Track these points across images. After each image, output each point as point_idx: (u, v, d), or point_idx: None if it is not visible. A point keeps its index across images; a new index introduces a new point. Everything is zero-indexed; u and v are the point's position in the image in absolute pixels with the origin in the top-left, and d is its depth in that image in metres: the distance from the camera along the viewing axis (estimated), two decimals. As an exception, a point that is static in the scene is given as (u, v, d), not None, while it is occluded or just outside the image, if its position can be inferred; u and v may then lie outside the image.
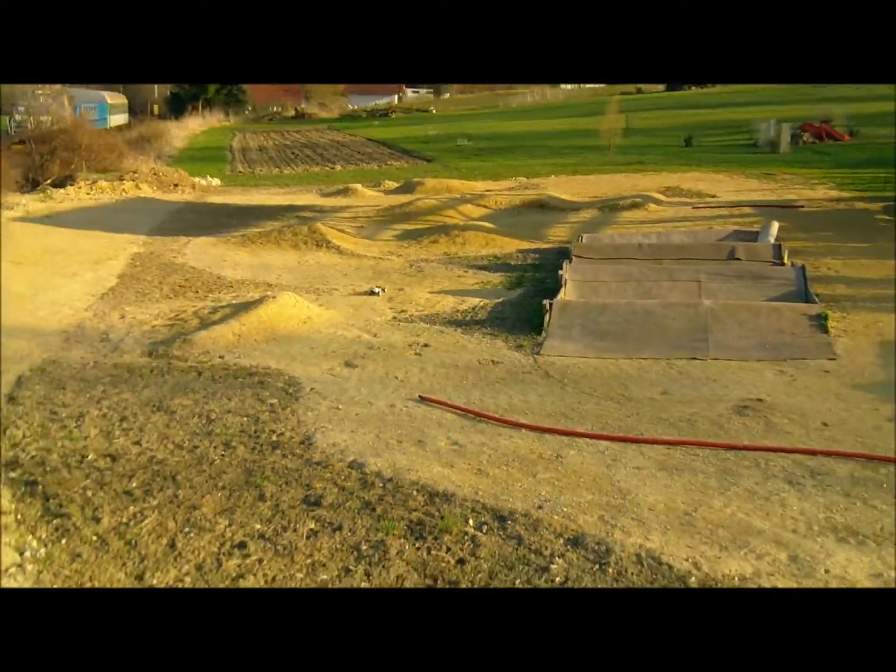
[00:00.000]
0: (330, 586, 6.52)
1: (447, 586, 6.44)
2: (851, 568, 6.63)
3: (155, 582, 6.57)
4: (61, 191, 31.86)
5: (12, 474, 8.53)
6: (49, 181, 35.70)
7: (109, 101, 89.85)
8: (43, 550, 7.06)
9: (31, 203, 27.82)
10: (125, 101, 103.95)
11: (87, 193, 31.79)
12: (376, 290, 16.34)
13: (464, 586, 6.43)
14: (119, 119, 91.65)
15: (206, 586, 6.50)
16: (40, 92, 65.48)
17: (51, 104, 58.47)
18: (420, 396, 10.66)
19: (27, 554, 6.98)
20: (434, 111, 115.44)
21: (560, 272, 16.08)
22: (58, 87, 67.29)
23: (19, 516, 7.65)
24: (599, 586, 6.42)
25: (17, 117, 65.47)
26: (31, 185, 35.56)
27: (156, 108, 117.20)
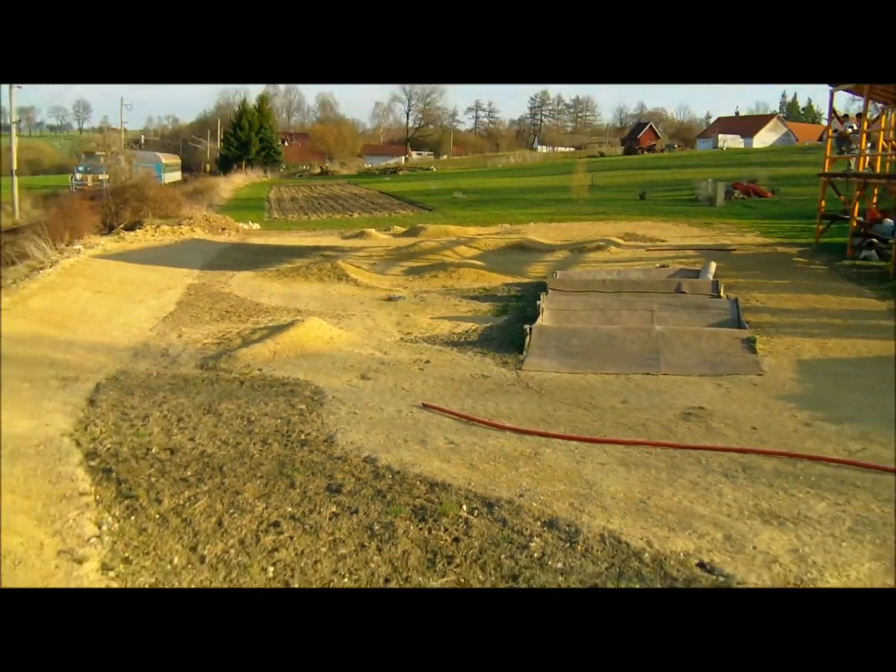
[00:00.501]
0: (331, 586, 6.50)
1: (445, 561, 6.43)
2: (774, 545, 6.67)
3: (206, 553, 6.57)
4: (132, 233, 31.87)
5: (92, 463, 8.54)
6: (122, 225, 35.71)
7: (164, 161, 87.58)
8: (116, 525, 7.09)
9: (108, 243, 27.84)
10: (178, 160, 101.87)
11: (153, 235, 31.80)
12: (396, 296, 16.40)
13: (458, 561, 6.42)
14: (173, 176, 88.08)
15: (248, 559, 6.49)
16: (101, 153, 67.97)
17: (111, 164, 58.90)
18: (423, 404, 10.64)
19: (104, 528, 7.03)
20: (434, 169, 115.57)
21: (538, 302, 16.11)
22: (117, 150, 70.63)
23: (97, 497, 7.68)
24: (570, 564, 6.41)
25: (78, 176, 67.24)
26: (108, 228, 35.62)
27: (208, 166, 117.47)
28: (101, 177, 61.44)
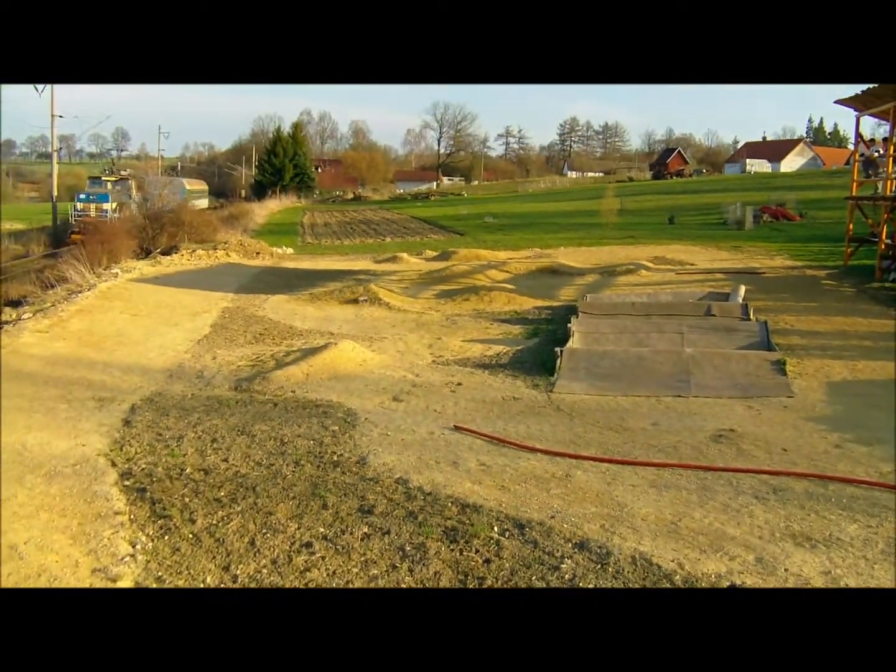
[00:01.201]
0: (335, 587, 6.45)
1: (476, 582, 6.37)
2: (806, 567, 6.58)
3: (238, 572, 6.53)
4: (168, 257, 32.07)
5: (127, 482, 8.53)
6: (159, 250, 36.03)
7: (188, 187, 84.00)
8: (150, 544, 7.07)
9: (144, 267, 28.00)
10: (205, 187, 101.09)
11: (188, 259, 31.97)
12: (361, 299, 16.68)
13: (489, 582, 6.36)
14: (199, 203, 77.34)
15: (280, 579, 6.45)
16: (108, 179, 61.12)
17: (117, 191, 57.36)
18: (454, 425, 10.59)
19: (138, 546, 7.00)
20: (465, 195, 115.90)
21: (569, 325, 16.03)
22: (128, 174, 66.57)
23: (132, 516, 7.66)
24: (601, 585, 6.34)
25: (79, 205, 55.30)
26: (144, 253, 35.94)
27: (242, 192, 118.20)
28: (105, 206, 55.01)
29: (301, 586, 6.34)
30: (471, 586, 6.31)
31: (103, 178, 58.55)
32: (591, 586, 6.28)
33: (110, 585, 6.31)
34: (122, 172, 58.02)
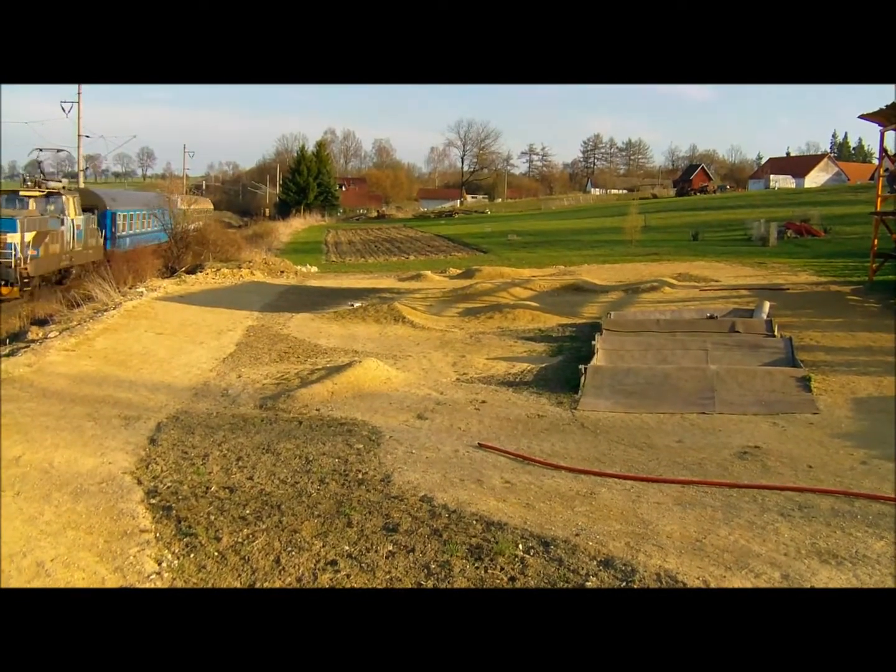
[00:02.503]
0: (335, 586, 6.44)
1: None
2: (832, 584, 6.55)
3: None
4: (193, 276, 32.24)
5: (152, 500, 8.58)
6: (184, 269, 36.21)
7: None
8: (176, 562, 7.10)
9: (169, 286, 28.15)
10: (209, 206, 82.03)
11: (213, 278, 32.13)
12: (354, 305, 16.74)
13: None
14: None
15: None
16: (29, 194, 36.18)
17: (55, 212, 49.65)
18: (479, 443, 10.59)
19: (164, 564, 7.04)
20: (489, 212, 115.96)
21: (593, 342, 16.04)
22: (71, 189, 44.67)
23: (157, 534, 7.70)
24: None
25: None
26: (169, 271, 36.09)
27: (267, 211, 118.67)
28: (9, 237, 30.70)
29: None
30: (496, 604, 6.30)
31: (21, 194, 35.15)
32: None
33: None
34: (54, 184, 35.65)
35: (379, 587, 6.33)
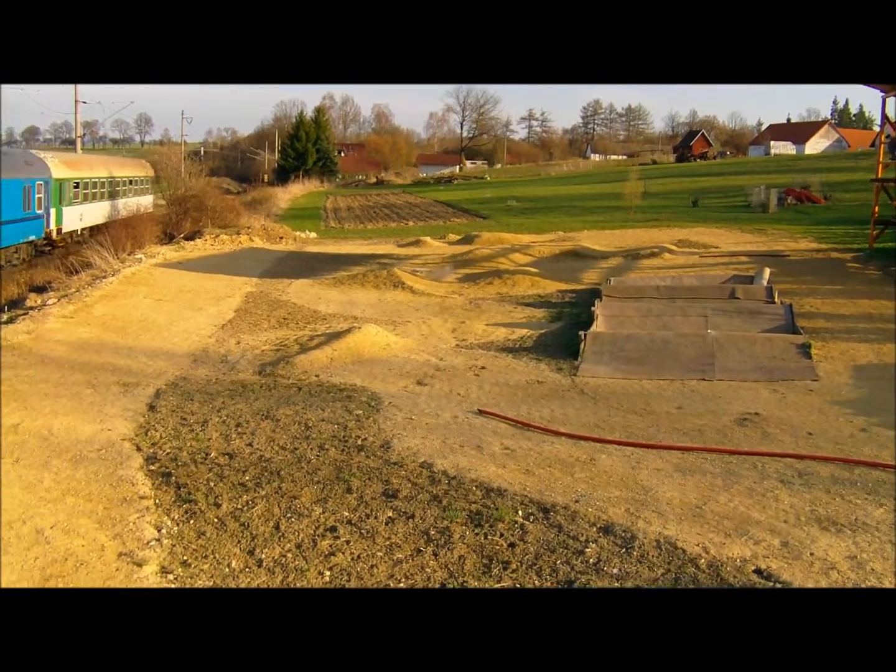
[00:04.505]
0: (336, 587, 6.45)
1: (501, 566, 6.37)
2: (832, 551, 6.57)
3: (263, 556, 6.55)
4: (191, 243, 32.17)
5: (152, 467, 8.58)
6: (182, 235, 36.11)
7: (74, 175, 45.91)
8: (175, 529, 7.12)
9: (168, 252, 28.11)
10: (147, 172, 53.62)
11: (212, 244, 32.08)
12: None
13: (514, 566, 6.35)
14: (138, 201, 46.08)
15: (304, 563, 6.46)
16: None
17: None
18: (478, 409, 10.59)
19: (163, 531, 7.05)
20: (488, 178, 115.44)
21: (593, 308, 16.02)
22: None
23: (157, 501, 7.71)
24: (626, 569, 6.32)
25: None
26: (168, 238, 35.99)
27: (265, 177, 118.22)
28: None
29: (327, 571, 6.34)
30: (495, 570, 6.30)
31: None
32: (615, 571, 6.27)
33: (137, 570, 6.34)
34: None
35: (377, 587, 6.29)
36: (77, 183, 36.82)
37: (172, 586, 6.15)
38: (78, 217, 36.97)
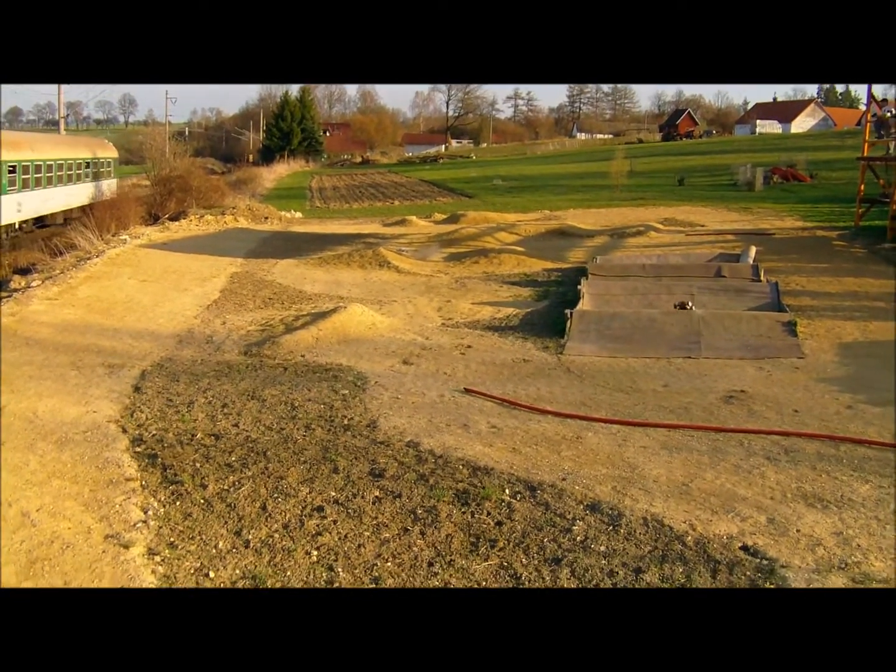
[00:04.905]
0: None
1: (488, 545, 6.38)
2: (818, 527, 6.61)
3: (250, 537, 6.54)
4: (176, 223, 32.05)
5: (138, 449, 8.55)
6: (167, 216, 35.94)
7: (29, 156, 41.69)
8: (162, 510, 7.10)
9: (153, 233, 28.00)
10: (109, 153, 46.11)
11: (196, 225, 31.96)
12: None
13: (501, 545, 6.37)
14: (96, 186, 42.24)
15: (291, 543, 6.46)
16: None
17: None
18: (465, 388, 10.59)
19: (150, 513, 7.03)
20: (474, 157, 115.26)
21: (579, 287, 16.03)
22: None
23: (143, 482, 7.68)
24: (613, 547, 6.34)
25: None
26: (153, 219, 35.81)
27: (251, 157, 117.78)
28: None
29: (314, 551, 6.35)
30: (482, 549, 6.31)
31: None
32: (602, 549, 6.29)
33: (123, 552, 6.32)
34: None
35: (369, 587, 6.29)
36: (13, 166, 30.49)
37: (160, 570, 6.15)
38: (15, 207, 30.79)
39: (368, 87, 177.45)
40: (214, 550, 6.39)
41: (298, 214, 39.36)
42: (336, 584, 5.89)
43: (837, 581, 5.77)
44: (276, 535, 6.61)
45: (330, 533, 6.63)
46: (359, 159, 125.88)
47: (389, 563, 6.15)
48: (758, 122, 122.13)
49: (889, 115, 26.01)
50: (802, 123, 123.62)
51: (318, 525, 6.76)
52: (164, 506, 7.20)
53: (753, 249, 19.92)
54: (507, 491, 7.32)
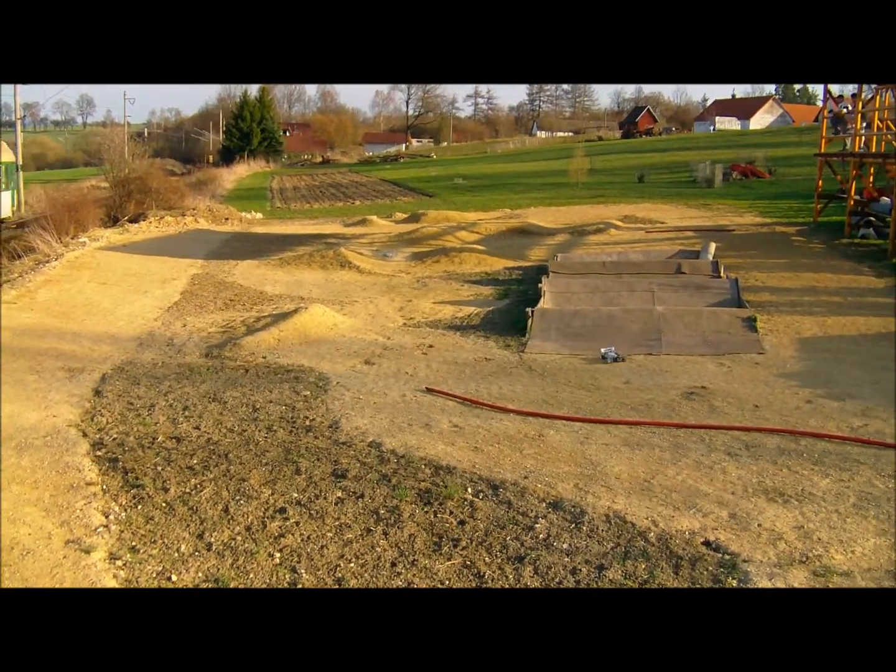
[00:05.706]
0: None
1: (451, 544, 6.38)
2: (779, 522, 6.66)
3: (212, 540, 6.52)
4: (136, 225, 31.81)
5: (98, 453, 8.48)
6: (126, 218, 35.66)
7: None
8: (123, 514, 7.05)
9: (112, 235, 27.74)
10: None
11: (156, 227, 31.73)
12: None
13: (464, 543, 6.37)
14: None
15: (254, 546, 6.44)
16: None
17: None
18: (426, 388, 10.59)
19: (111, 517, 6.98)
20: (434, 156, 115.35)
21: (539, 285, 16.05)
22: None
23: (104, 486, 7.62)
24: (575, 545, 6.36)
25: None
26: (112, 221, 35.51)
27: (210, 158, 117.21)
28: None
29: (277, 553, 6.33)
30: (445, 548, 6.32)
31: None
32: (565, 546, 6.31)
33: (85, 557, 6.28)
34: None
35: (333, 587, 6.29)
36: None
37: (122, 574, 6.11)
38: None
39: (328, 86, 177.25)
40: (177, 554, 6.36)
41: (259, 215, 39.19)
42: (299, 586, 5.88)
43: (799, 575, 5.83)
44: (239, 538, 6.58)
45: (293, 534, 6.61)
46: (319, 159, 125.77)
47: (353, 564, 6.15)
48: (717, 118, 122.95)
49: (845, 111, 26.29)
50: (761, 120, 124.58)
51: (280, 527, 6.74)
52: (126, 510, 7.15)
53: (713, 246, 20.02)
54: (469, 490, 7.33)
